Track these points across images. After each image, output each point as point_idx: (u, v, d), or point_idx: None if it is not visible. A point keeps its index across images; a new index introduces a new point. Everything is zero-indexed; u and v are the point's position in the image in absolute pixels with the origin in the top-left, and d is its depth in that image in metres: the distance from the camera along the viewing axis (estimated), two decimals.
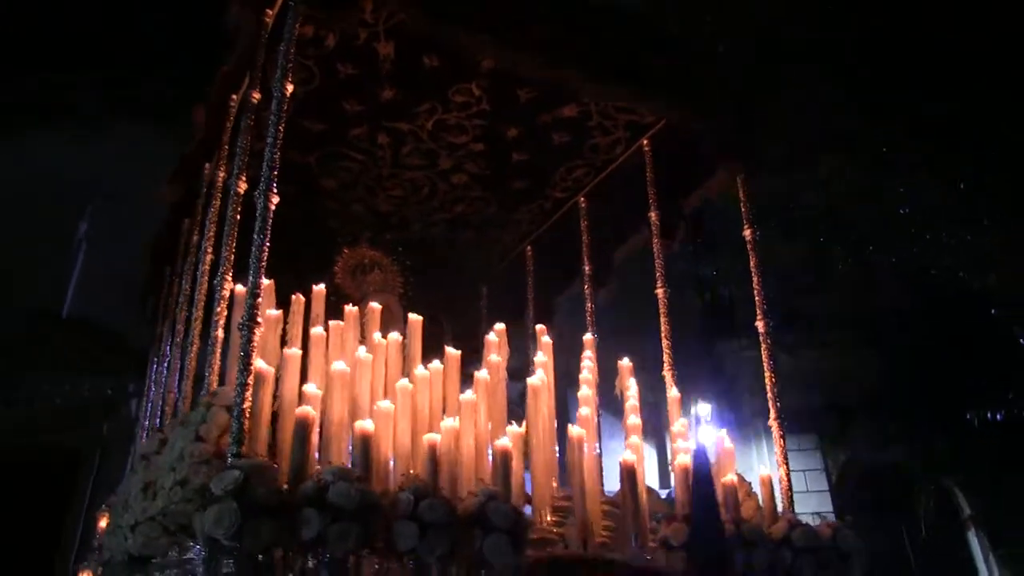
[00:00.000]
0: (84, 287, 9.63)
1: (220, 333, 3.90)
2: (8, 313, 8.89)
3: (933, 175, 9.12)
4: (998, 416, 9.82)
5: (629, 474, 3.58)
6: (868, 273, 10.18)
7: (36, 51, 9.19)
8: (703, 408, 4.21)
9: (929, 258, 9.72)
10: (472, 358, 4.60)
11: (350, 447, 3.33)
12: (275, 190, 3.53)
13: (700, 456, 3.53)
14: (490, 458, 3.59)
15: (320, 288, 4.35)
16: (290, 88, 3.74)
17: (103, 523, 5.00)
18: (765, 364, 4.36)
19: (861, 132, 9.20)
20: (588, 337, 4.82)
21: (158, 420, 5.21)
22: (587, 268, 5.63)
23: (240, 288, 3.59)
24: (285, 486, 2.94)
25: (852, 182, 9.52)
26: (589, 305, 5.51)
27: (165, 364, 5.34)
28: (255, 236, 3.41)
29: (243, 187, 4.01)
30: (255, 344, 3.23)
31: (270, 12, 4.10)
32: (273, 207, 3.50)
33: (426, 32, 4.36)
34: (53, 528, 8.55)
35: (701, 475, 3.46)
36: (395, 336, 4.14)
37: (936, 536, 10.65)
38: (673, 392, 4.51)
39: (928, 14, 8.37)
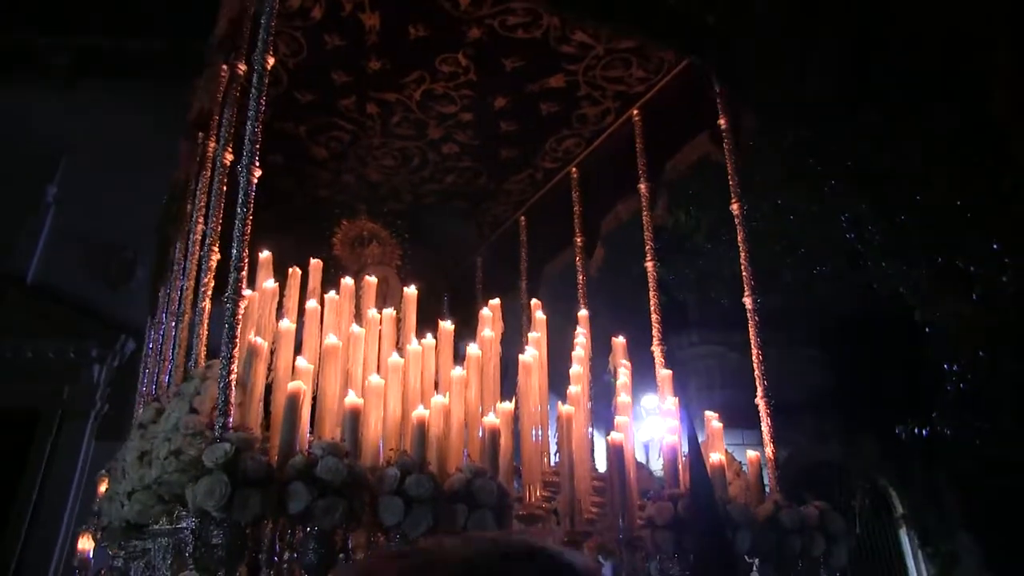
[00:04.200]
0: (51, 250, 9.56)
1: (207, 304, 3.92)
2: None
3: (874, 212, 9.56)
4: (924, 432, 10.23)
5: (616, 452, 3.61)
6: (812, 281, 10.59)
7: (3, 8, 9.04)
8: (650, 400, 4.20)
9: (871, 277, 10.10)
10: (468, 331, 4.62)
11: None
12: (257, 163, 3.51)
13: (692, 440, 3.55)
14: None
15: (317, 261, 4.36)
16: (271, 61, 3.72)
17: (102, 488, 5.05)
18: (752, 342, 4.30)
19: (811, 170, 9.65)
20: (582, 313, 4.79)
21: (154, 388, 5.24)
22: (579, 240, 5.62)
23: None
24: (276, 460, 3.00)
25: (802, 211, 9.99)
26: (581, 278, 5.51)
27: (161, 332, 5.37)
28: (238, 209, 3.40)
29: (229, 159, 4.01)
30: (239, 317, 3.26)
31: None
32: (255, 180, 3.48)
33: None
34: (9, 488, 8.56)
35: (695, 457, 3.48)
36: (389, 311, 4.16)
37: (871, 532, 11.12)
38: (664, 371, 4.51)
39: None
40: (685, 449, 3.75)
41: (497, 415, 3.50)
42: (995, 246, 8.75)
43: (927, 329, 9.74)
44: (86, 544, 5.82)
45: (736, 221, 4.70)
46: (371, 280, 4.42)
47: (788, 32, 8.45)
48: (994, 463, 9.51)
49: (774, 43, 8.03)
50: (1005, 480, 9.46)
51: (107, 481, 4.61)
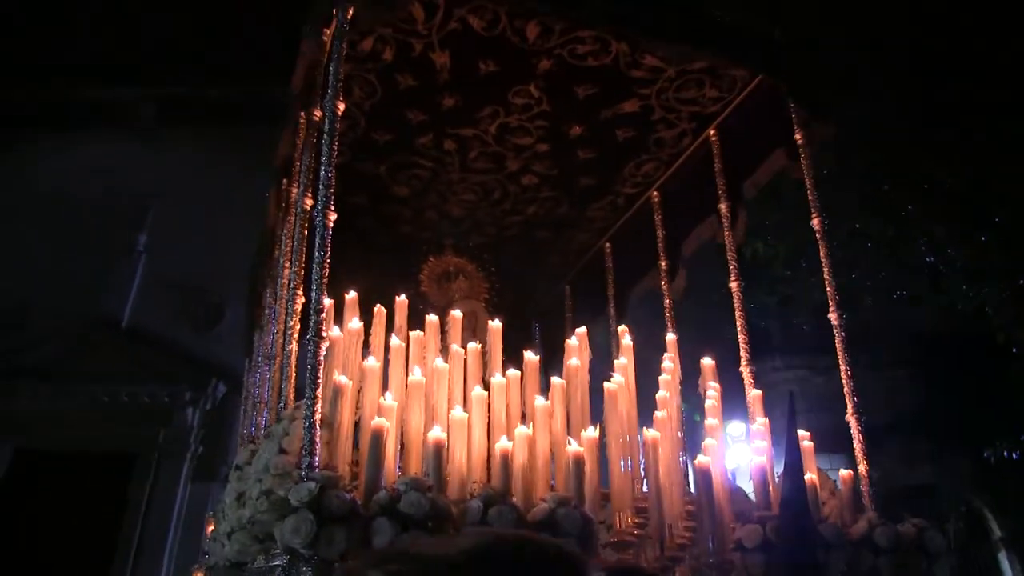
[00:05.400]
0: (143, 297, 9.86)
1: (294, 347, 4.01)
2: (70, 321, 9.15)
3: (952, 234, 9.52)
4: (1014, 455, 10.08)
5: (703, 476, 3.57)
6: (893, 304, 10.50)
7: (97, 61, 9.41)
8: (736, 427, 4.10)
9: (953, 299, 9.95)
10: (558, 361, 4.60)
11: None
12: (332, 207, 3.58)
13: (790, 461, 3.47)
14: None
15: (402, 299, 4.41)
16: (341, 107, 3.80)
17: (210, 529, 5.20)
18: (840, 358, 4.20)
19: (885, 194, 9.68)
20: (670, 337, 4.69)
21: (252, 430, 5.37)
22: (663, 264, 5.58)
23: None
24: (362, 496, 3.04)
25: (879, 235, 10.01)
26: (667, 302, 5.46)
27: (257, 375, 5.51)
28: (316, 253, 3.48)
29: (309, 203, 4.11)
30: (321, 359, 3.32)
31: (327, 31, 4.20)
32: (331, 223, 3.55)
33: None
34: (111, 529, 8.80)
35: (791, 478, 3.41)
36: (474, 344, 4.17)
37: (966, 556, 10.72)
38: (754, 391, 4.42)
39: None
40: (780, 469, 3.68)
41: (581, 443, 3.48)
42: None
43: (1013, 350, 9.55)
44: None
45: (817, 236, 4.56)
46: (456, 315, 4.44)
47: (860, 47, 8.32)
48: None
49: (846, 60, 7.90)
50: None
51: (213, 522, 4.77)
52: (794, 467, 3.40)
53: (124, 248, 9.98)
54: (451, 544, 1.12)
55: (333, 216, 3.58)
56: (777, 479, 3.83)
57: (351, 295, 4.08)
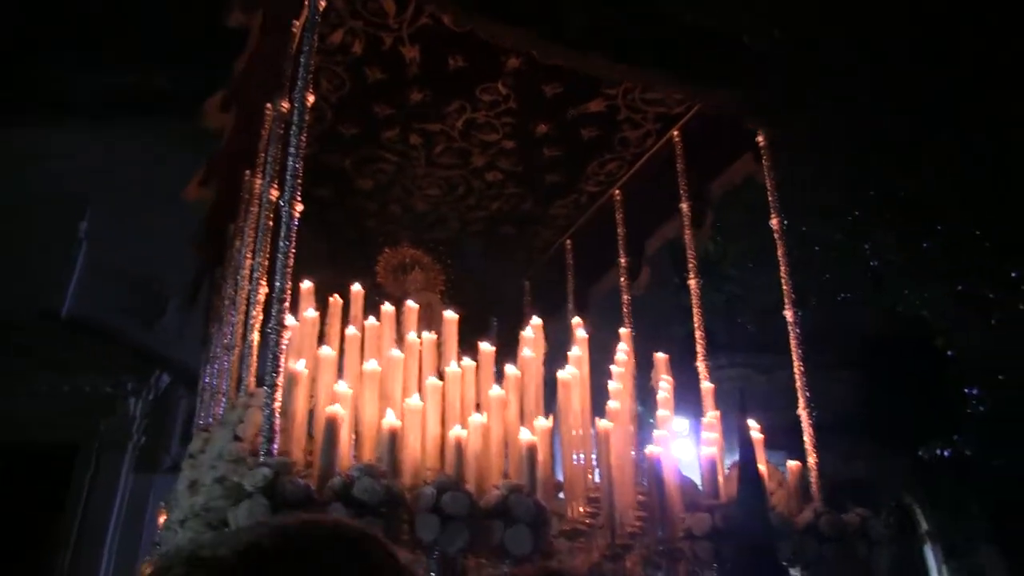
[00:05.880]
0: (84, 286, 9.62)
1: (256, 336, 4.03)
2: (8, 311, 8.94)
3: (897, 239, 9.89)
4: (945, 453, 10.57)
5: (654, 465, 3.64)
6: (837, 306, 10.70)
7: (39, 45, 9.23)
8: (679, 423, 4.17)
9: (895, 301, 10.35)
10: (515, 354, 4.66)
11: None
12: (299, 199, 3.60)
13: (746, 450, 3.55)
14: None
15: (358, 289, 4.44)
16: (311, 99, 3.83)
17: (162, 519, 5.19)
18: (794, 353, 4.33)
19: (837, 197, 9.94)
20: (624, 331, 4.83)
21: (209, 419, 5.36)
22: (623, 261, 5.65)
23: None
24: (317, 482, 3.07)
25: (825, 239, 10.27)
26: (625, 298, 5.54)
27: (215, 365, 5.51)
28: (280, 243, 3.50)
29: (275, 195, 4.12)
30: (283, 347, 3.34)
31: (296, 23, 4.22)
32: (297, 214, 3.58)
33: (457, 26, 4.45)
34: (50, 522, 8.60)
35: (748, 464, 3.49)
36: (430, 335, 4.22)
37: (896, 549, 11.04)
38: (706, 384, 4.52)
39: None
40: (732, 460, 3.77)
41: (534, 432, 3.54)
42: (1013, 274, 9.00)
43: (948, 352, 9.94)
44: None
45: (776, 236, 4.69)
46: (412, 306, 4.48)
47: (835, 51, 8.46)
48: (1017, 482, 9.58)
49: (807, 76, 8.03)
50: None
51: (165, 512, 4.76)
52: (748, 462, 3.47)
53: (64, 237, 9.75)
54: (232, 541, 1.12)
55: (300, 207, 3.61)
56: (727, 470, 3.93)
57: (306, 285, 4.10)
